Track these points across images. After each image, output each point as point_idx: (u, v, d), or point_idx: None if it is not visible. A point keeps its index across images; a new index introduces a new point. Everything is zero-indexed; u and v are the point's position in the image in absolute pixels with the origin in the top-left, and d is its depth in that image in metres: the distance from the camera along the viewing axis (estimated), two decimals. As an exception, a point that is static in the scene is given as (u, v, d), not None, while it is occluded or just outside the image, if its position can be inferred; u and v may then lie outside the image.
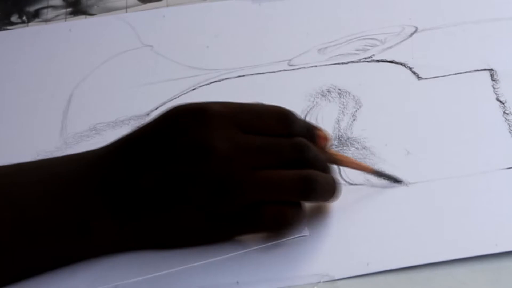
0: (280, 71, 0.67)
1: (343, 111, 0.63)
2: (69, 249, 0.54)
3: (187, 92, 0.66)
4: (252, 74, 0.67)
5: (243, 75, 0.67)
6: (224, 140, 0.52)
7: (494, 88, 0.63)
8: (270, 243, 0.54)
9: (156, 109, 0.64)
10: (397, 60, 0.66)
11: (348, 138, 0.61)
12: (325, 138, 0.56)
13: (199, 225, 0.53)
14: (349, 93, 0.64)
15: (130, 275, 0.53)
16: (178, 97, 0.66)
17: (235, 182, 0.52)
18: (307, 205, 0.55)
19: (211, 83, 0.67)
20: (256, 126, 0.53)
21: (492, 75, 0.64)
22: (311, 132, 0.55)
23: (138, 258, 0.54)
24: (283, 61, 0.68)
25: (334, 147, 0.60)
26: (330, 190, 0.55)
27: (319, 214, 0.55)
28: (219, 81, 0.67)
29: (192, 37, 0.71)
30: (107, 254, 0.54)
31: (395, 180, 0.57)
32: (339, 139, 0.61)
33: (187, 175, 0.52)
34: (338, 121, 0.62)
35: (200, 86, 0.67)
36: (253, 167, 0.52)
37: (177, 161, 0.52)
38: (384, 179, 0.57)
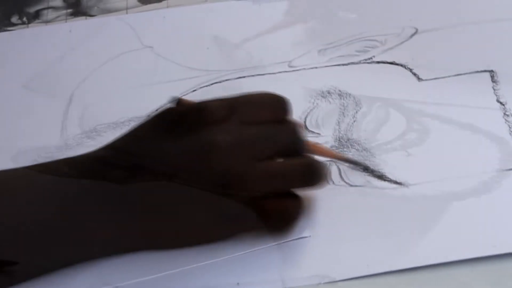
0: (280, 72, 0.67)
1: (343, 113, 0.63)
2: (69, 251, 0.54)
3: (187, 93, 0.66)
4: (252, 75, 0.67)
5: (244, 76, 0.67)
6: (224, 134, 0.52)
7: (494, 89, 0.63)
8: (271, 244, 0.54)
9: (157, 110, 0.64)
10: (397, 61, 0.66)
11: (348, 140, 0.61)
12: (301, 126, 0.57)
13: (203, 223, 0.53)
14: (350, 94, 0.64)
15: (130, 277, 0.53)
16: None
17: (239, 175, 0.52)
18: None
19: (211, 84, 0.67)
20: (254, 116, 0.54)
21: (492, 77, 0.64)
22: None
23: (139, 260, 0.54)
24: (284, 62, 0.68)
25: (334, 149, 0.60)
26: (325, 175, 0.55)
27: (319, 215, 0.55)
28: (219, 82, 0.67)
29: (192, 38, 0.71)
30: (107, 256, 0.54)
31: (366, 167, 0.57)
32: (339, 140, 0.61)
33: (190, 173, 0.52)
34: (339, 122, 0.62)
35: (201, 87, 0.67)
36: (255, 158, 0.52)
37: (179, 160, 0.52)
38: (356, 166, 0.57)
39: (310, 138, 0.59)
